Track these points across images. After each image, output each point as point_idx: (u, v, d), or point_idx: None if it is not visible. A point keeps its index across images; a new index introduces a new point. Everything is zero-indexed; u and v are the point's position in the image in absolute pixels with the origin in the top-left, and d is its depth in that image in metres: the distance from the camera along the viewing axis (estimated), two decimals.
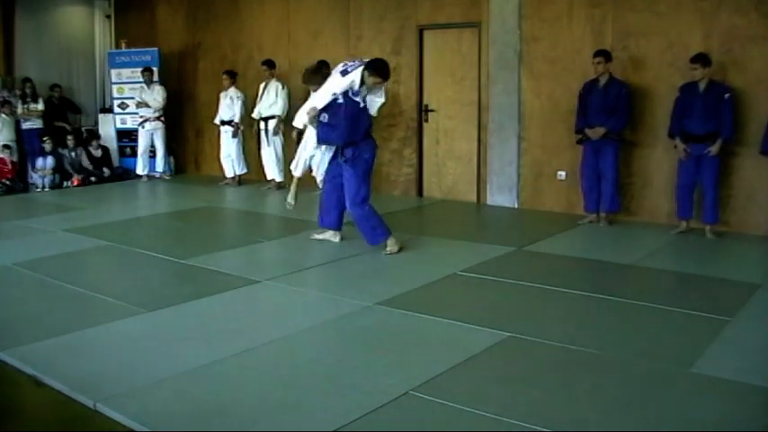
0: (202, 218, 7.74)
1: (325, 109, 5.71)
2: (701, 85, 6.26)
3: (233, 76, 9.67)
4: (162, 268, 5.54)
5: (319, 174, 6.36)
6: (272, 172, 9.42)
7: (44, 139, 9.94)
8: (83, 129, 11.26)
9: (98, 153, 10.47)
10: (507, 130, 7.89)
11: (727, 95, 6.18)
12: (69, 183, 9.93)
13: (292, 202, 6.33)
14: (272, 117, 9.20)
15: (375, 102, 5.82)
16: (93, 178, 10.16)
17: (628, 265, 5.52)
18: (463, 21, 8.14)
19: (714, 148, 6.22)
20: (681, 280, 5.27)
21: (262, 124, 9.29)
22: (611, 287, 4.92)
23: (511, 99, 7.82)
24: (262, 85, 9.30)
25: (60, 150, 10.06)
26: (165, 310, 4.46)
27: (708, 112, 6.23)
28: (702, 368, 3.52)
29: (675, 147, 6.46)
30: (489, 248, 6.01)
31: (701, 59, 6.19)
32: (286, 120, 9.32)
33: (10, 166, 9.69)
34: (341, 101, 5.64)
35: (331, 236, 6.12)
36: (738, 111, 6.33)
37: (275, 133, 9.22)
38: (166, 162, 10.55)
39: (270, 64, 9.19)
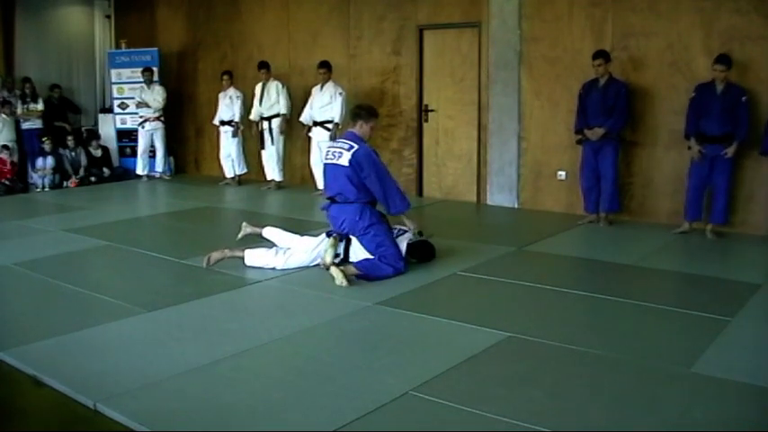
0: (202, 218, 7.74)
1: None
2: (719, 87, 6.22)
3: (232, 77, 9.70)
4: (162, 268, 5.54)
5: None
6: (272, 172, 9.42)
7: (44, 139, 9.94)
8: (83, 129, 11.26)
9: (98, 153, 10.47)
10: (507, 130, 7.89)
11: (744, 98, 6.15)
12: (69, 183, 9.93)
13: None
14: (276, 116, 9.20)
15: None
16: (93, 178, 10.16)
17: (628, 265, 5.52)
18: (463, 21, 8.13)
19: (730, 150, 6.19)
20: (681, 280, 5.27)
21: (264, 124, 9.29)
22: (611, 287, 4.91)
23: (511, 99, 7.82)
24: (258, 87, 9.30)
25: (60, 150, 10.06)
26: (165, 310, 4.46)
27: (725, 114, 6.18)
28: (702, 368, 3.51)
29: (689, 148, 6.41)
30: (489, 248, 6.00)
31: (727, 61, 6.13)
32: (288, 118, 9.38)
33: (10, 167, 9.68)
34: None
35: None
36: None
37: (281, 132, 9.23)
38: (166, 162, 10.55)
39: (266, 66, 9.20)
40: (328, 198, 5.45)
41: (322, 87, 8.64)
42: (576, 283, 5.07)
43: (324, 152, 5.66)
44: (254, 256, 5.40)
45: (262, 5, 10.01)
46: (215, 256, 5.40)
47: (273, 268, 5.31)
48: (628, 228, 6.82)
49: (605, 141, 6.75)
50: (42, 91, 10.53)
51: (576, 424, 2.97)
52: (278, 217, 7.54)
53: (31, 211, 8.21)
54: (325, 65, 8.63)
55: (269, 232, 5.83)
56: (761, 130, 6.19)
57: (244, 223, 6.06)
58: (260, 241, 5.76)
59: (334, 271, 4.98)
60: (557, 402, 3.18)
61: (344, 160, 5.21)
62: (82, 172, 10.12)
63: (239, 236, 5.95)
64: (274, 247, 5.52)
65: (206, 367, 3.55)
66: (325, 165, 5.48)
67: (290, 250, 5.44)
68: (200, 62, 10.83)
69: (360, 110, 5.52)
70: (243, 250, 5.45)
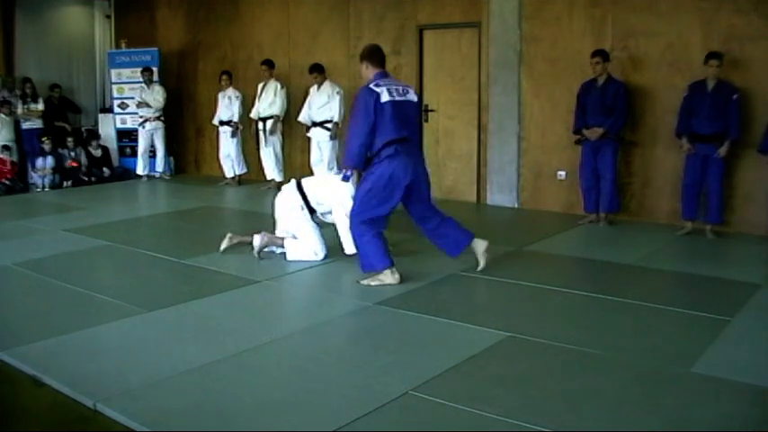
0: (202, 218, 7.74)
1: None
2: (710, 85, 6.23)
3: (231, 77, 9.70)
4: (162, 268, 5.54)
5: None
6: (272, 172, 9.42)
7: (44, 139, 9.94)
8: (83, 129, 11.26)
9: (98, 153, 10.47)
10: (507, 130, 7.89)
11: (735, 96, 6.16)
12: (69, 183, 9.93)
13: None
14: (271, 117, 9.20)
15: None
16: (92, 178, 10.17)
17: (628, 265, 5.52)
18: (463, 21, 8.13)
19: (723, 150, 6.20)
20: (681, 280, 5.27)
21: (260, 124, 9.28)
22: (611, 287, 4.91)
23: (511, 99, 7.82)
24: (260, 85, 9.31)
25: (60, 150, 10.06)
26: (165, 310, 4.46)
27: (716, 113, 6.19)
28: (702, 368, 3.52)
29: (681, 146, 6.44)
30: (489, 248, 5.99)
31: (720, 56, 6.15)
32: (284, 119, 9.36)
33: (10, 167, 9.68)
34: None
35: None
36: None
37: (272, 133, 9.22)
38: (166, 162, 10.55)
39: (270, 64, 9.20)
40: (399, 140, 4.83)
41: (319, 88, 8.62)
42: (576, 283, 5.07)
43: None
44: (293, 247, 5.57)
45: (262, 5, 10.01)
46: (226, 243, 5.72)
47: (315, 253, 5.52)
48: (628, 228, 6.82)
49: (605, 141, 6.75)
50: (42, 91, 10.53)
51: (576, 424, 2.97)
52: None
53: (31, 211, 8.21)
54: (315, 68, 8.50)
55: (271, 236, 5.73)
56: (760, 130, 6.18)
57: (229, 234, 5.81)
58: (248, 248, 5.73)
59: None
60: (557, 402, 3.18)
61: (413, 97, 4.98)
62: (81, 168, 10.12)
63: (222, 247, 5.74)
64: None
65: (206, 367, 3.55)
66: (394, 102, 4.80)
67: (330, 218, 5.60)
68: (200, 62, 10.83)
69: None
70: (252, 234, 5.66)
